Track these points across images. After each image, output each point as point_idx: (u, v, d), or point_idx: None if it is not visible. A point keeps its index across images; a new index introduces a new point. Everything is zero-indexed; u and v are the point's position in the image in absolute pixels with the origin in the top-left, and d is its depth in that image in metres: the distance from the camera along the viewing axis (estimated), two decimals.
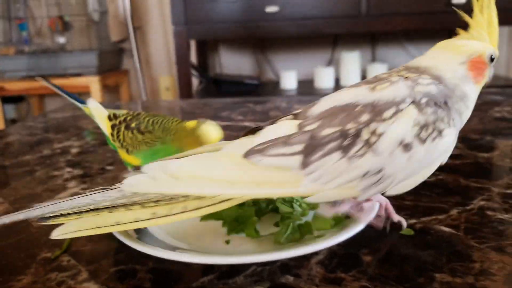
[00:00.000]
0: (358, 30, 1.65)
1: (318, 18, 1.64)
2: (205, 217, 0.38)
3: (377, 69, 1.81)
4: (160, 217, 0.29)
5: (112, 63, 2.13)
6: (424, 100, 0.30)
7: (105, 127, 0.45)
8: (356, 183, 0.29)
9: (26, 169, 0.56)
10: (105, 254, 0.34)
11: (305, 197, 0.29)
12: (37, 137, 0.74)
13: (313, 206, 0.38)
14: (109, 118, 0.45)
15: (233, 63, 2.13)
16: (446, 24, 1.63)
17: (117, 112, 0.45)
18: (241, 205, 0.38)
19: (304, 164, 0.28)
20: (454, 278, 0.29)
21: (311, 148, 0.28)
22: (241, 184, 0.29)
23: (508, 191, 0.43)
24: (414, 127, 0.29)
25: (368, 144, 0.28)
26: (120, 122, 0.44)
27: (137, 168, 0.43)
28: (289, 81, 1.82)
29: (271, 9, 1.62)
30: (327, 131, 0.29)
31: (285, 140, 0.29)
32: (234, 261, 0.29)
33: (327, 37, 2.01)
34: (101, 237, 0.36)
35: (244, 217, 0.36)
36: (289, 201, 0.38)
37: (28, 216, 0.29)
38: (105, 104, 0.48)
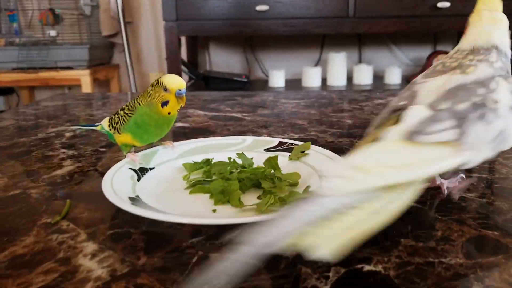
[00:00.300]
0: (345, 31, 1.70)
1: (306, 18, 1.68)
2: (194, 191, 0.41)
3: (363, 70, 1.86)
4: (382, 212, 0.28)
5: (102, 57, 2.14)
6: (503, 73, 0.36)
7: (106, 125, 0.49)
8: (491, 145, 0.34)
9: (22, 149, 0.59)
10: (102, 220, 0.37)
11: (461, 165, 0.33)
12: (31, 122, 0.76)
13: (292, 183, 0.42)
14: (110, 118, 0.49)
15: (223, 60, 2.16)
16: (431, 27, 1.68)
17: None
18: (227, 179, 0.41)
19: (461, 136, 0.32)
20: (417, 243, 0.33)
21: (461, 121, 0.32)
22: (417, 164, 0.30)
23: (473, 175, 0.47)
24: (510, 94, 0.35)
25: (493, 110, 0.33)
26: (114, 113, 0.48)
27: (134, 147, 0.46)
28: (277, 79, 1.86)
29: (261, 7, 1.66)
30: (462, 106, 0.33)
31: (433, 119, 0.32)
32: (219, 221, 0.32)
33: (316, 38, 2.05)
34: (97, 206, 0.39)
35: (229, 190, 0.39)
36: (271, 178, 0.42)
37: (253, 251, 0.24)
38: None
